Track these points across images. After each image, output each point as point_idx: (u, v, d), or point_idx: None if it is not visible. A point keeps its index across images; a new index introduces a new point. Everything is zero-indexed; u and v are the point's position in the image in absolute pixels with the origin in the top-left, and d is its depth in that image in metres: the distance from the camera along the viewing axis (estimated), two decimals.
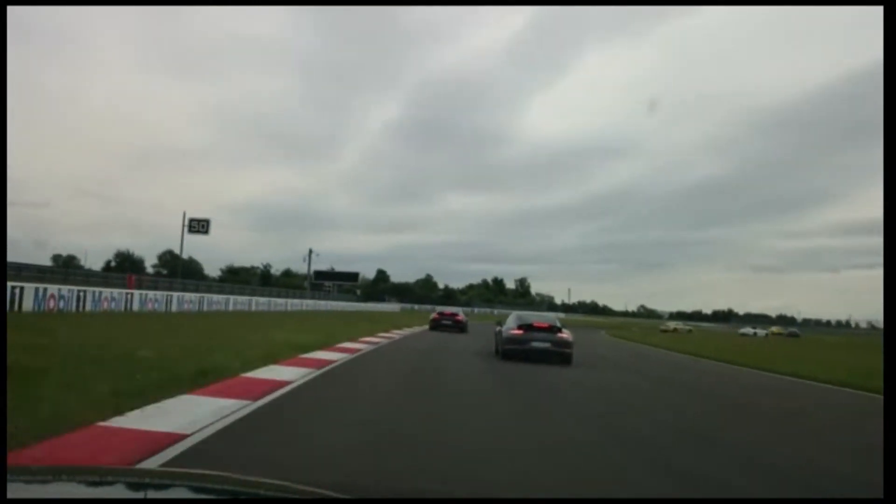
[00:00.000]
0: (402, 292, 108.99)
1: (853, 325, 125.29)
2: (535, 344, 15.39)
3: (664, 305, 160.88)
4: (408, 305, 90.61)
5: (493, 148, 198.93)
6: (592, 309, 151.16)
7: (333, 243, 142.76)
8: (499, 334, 16.93)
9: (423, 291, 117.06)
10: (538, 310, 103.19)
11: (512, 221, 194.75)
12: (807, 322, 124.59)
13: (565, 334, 15.74)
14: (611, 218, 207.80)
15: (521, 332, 15.61)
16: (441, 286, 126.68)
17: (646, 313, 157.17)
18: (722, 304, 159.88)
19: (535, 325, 15.84)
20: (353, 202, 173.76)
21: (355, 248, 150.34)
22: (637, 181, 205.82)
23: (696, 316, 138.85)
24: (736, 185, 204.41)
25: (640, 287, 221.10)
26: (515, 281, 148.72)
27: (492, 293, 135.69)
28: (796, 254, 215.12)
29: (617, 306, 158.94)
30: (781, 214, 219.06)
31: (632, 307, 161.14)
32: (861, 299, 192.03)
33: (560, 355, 15.36)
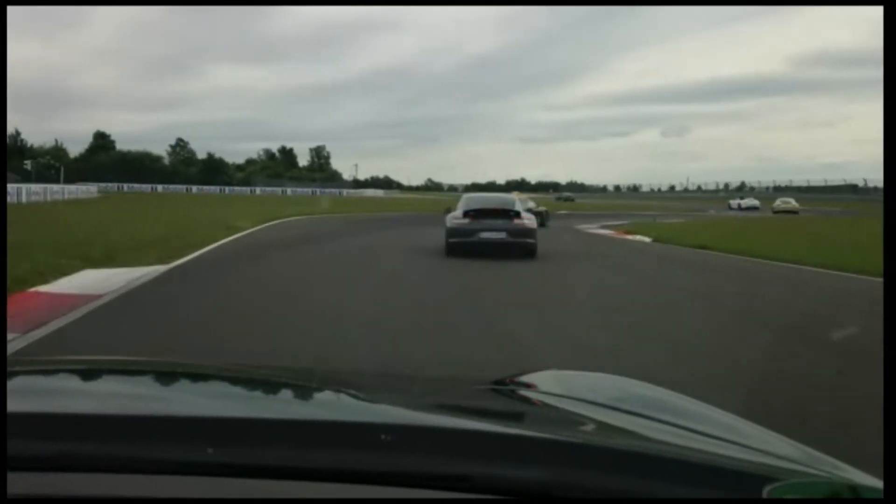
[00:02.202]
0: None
1: (610, 190, 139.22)
2: (486, 235, 12.70)
3: (447, 179, 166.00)
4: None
5: (268, 16, 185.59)
6: (386, 184, 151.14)
7: (87, 124, 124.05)
8: (446, 224, 13.67)
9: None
10: (328, 186, 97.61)
11: (295, 98, 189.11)
12: (571, 186, 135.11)
13: (525, 220, 13.14)
14: (394, 94, 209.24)
15: (467, 220, 12.90)
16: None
17: (434, 187, 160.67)
18: (497, 176, 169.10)
19: (485, 209, 13.18)
20: (110, 78, 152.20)
21: (116, 128, 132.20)
22: (417, 57, 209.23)
23: (492, 187, 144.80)
24: (505, 59, 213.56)
25: (424, 162, 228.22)
26: (310, 151, 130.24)
27: (280, 167, 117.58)
28: (559, 125, 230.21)
29: (405, 181, 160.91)
30: (541, 87, 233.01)
31: (418, 181, 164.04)
32: (616, 166, 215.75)
33: (519, 247, 12.73)
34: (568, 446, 0.86)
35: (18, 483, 0.70)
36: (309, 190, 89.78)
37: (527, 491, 0.74)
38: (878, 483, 0.79)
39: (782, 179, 78.45)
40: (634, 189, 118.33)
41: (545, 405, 1.18)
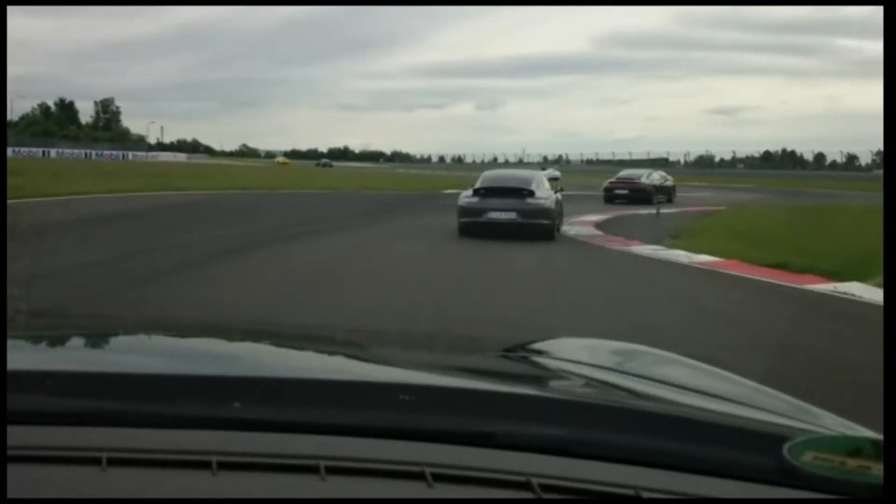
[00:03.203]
0: None
1: (435, 161, 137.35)
2: (493, 215, 11.84)
3: (265, 145, 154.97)
4: None
5: None
6: (194, 148, 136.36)
7: None
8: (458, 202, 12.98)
9: None
10: (133, 148, 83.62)
11: (87, 54, 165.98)
12: (397, 156, 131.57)
13: (542, 198, 12.08)
14: (201, 54, 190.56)
15: (476, 198, 12.18)
16: None
17: (249, 153, 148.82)
18: (319, 144, 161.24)
19: (495, 187, 12.33)
20: None
21: None
22: (225, 14, 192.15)
23: (313, 154, 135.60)
24: (323, 23, 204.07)
25: (237, 126, 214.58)
26: (95, 105, 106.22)
27: (55, 124, 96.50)
28: (379, 94, 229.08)
29: (217, 146, 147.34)
30: (360, 54, 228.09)
31: (231, 147, 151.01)
32: (436, 137, 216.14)
33: (533, 228, 11.74)
34: (586, 406, 0.92)
35: (68, 436, 0.75)
36: (84, 152, 74.95)
37: (547, 447, 0.77)
38: None
39: (588, 153, 79.72)
40: (459, 160, 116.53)
41: (560, 370, 1.19)
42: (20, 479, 0.67)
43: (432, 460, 0.72)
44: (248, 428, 0.77)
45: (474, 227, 11.94)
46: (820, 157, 58.64)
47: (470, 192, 12.56)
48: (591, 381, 1.08)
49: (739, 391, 1.08)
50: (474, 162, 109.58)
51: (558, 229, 12.85)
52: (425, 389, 0.92)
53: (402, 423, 0.79)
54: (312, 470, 0.70)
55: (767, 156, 60.56)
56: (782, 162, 58.83)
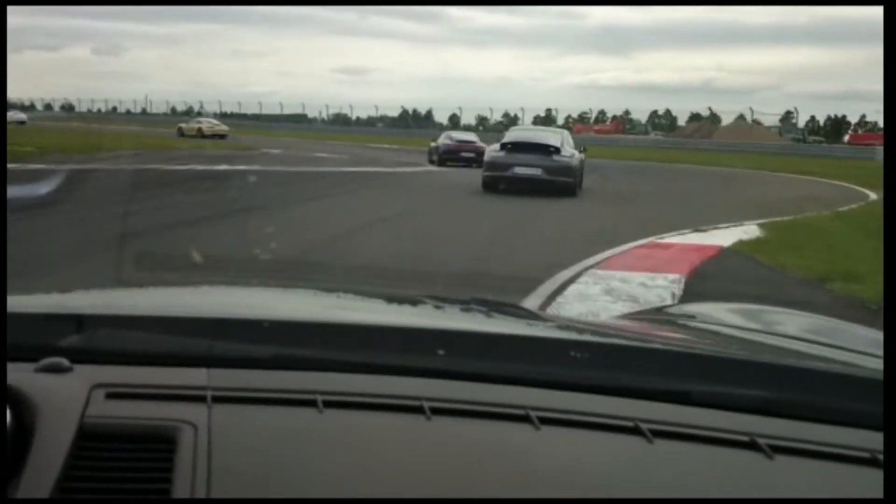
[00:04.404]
0: None
1: (40, 109, 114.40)
2: (519, 170, 12.42)
3: None
4: None
5: None
6: None
7: None
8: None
9: None
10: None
11: None
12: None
13: (567, 156, 12.79)
14: None
15: (503, 153, 12.82)
16: None
17: None
18: None
19: (524, 142, 13.03)
20: None
21: None
22: None
23: None
24: None
25: None
26: None
27: None
28: None
29: None
30: None
31: None
32: (45, 82, 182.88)
33: (556, 185, 12.24)
34: (779, 368, 0.94)
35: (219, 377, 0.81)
36: None
37: (747, 407, 0.81)
38: None
39: (227, 106, 73.53)
40: (70, 108, 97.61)
41: (729, 334, 1.25)
42: (239, 419, 0.74)
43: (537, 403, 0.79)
44: (454, 377, 0.84)
45: (499, 181, 12.49)
46: (455, 117, 61.95)
47: (498, 146, 13.18)
48: (768, 344, 1.18)
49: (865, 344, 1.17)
50: (90, 111, 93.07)
51: (580, 186, 13.42)
52: (617, 348, 1.02)
53: (613, 381, 0.85)
54: (416, 411, 0.76)
55: (403, 115, 62.01)
56: (417, 122, 60.69)
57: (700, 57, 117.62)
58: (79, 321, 0.88)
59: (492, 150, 13.46)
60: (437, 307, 1.31)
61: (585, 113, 60.46)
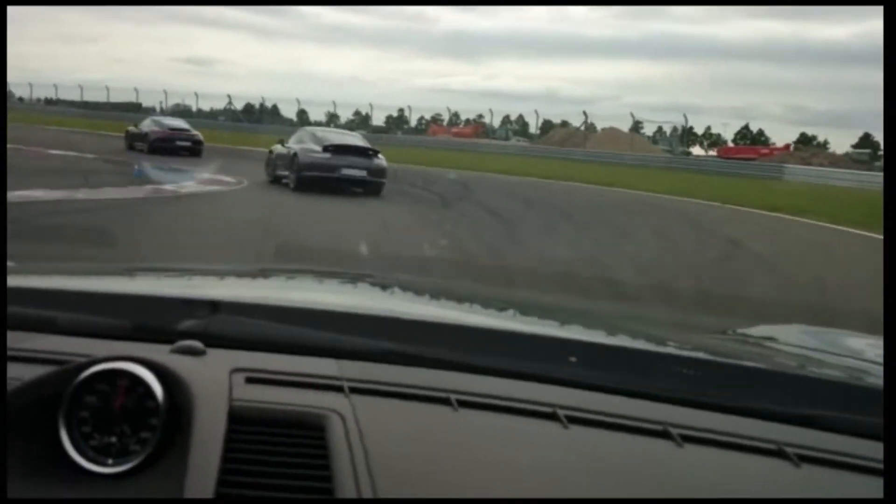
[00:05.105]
0: None
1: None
2: (348, 171, 13.15)
3: None
4: None
5: None
6: None
7: None
8: (282, 159, 14.02)
9: None
10: None
11: None
12: None
13: (382, 160, 13.69)
14: None
15: (328, 155, 13.19)
16: None
17: None
18: None
19: (348, 146, 13.73)
20: None
21: None
22: None
23: None
24: None
25: None
26: None
27: None
28: None
29: None
30: None
31: None
32: None
33: (375, 185, 13.38)
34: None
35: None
36: None
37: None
38: None
39: (49, 93, 63.13)
40: None
41: (776, 348, 1.29)
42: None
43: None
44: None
45: (321, 182, 12.91)
46: (302, 113, 56.01)
47: (317, 147, 13.41)
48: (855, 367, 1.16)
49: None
50: None
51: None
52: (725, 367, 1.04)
53: (732, 401, 0.88)
54: (549, 417, 0.79)
55: (248, 109, 55.04)
56: (262, 116, 54.13)
57: (543, 66, 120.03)
58: (213, 306, 0.94)
59: (310, 152, 13.46)
60: (548, 312, 1.42)
61: (439, 115, 55.76)
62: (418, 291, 1.60)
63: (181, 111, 59.85)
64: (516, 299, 1.68)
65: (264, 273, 1.80)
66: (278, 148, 14.62)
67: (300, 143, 13.83)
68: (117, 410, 0.73)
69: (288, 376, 0.82)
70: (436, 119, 56.35)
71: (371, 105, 49.50)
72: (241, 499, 0.65)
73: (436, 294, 1.55)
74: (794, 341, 1.32)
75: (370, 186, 13.29)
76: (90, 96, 59.16)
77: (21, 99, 64.94)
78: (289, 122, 53.26)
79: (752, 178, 25.08)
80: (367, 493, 0.64)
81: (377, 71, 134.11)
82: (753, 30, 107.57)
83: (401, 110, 54.26)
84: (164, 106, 60.13)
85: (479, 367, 0.89)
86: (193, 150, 20.22)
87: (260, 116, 53.85)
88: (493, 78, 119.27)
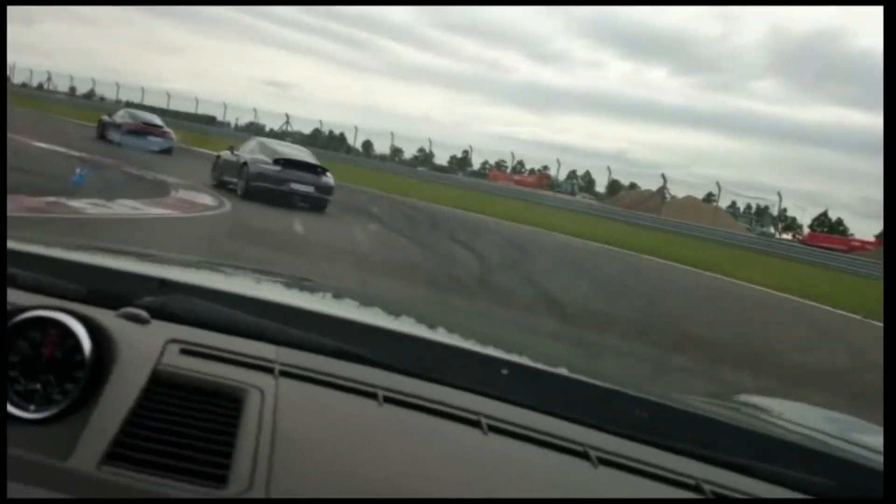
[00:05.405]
0: None
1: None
2: (297, 186, 13.36)
3: None
4: None
5: None
6: None
7: None
8: (230, 164, 14.15)
9: None
10: None
11: None
12: None
13: (329, 178, 13.97)
14: None
15: (278, 168, 13.37)
16: None
17: None
18: None
19: (299, 161, 13.93)
20: None
21: None
22: None
23: None
24: None
25: None
26: None
27: None
28: None
29: None
30: None
31: None
32: None
33: (319, 202, 13.67)
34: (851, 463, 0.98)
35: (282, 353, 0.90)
36: None
37: (779, 481, 0.87)
38: None
39: (133, 96, 64.75)
40: None
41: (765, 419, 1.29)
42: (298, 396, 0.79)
43: (596, 444, 0.85)
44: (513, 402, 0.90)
45: (269, 194, 13.06)
46: (368, 144, 55.47)
47: (267, 159, 13.48)
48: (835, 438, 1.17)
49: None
50: None
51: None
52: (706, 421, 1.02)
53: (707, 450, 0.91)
54: (472, 424, 0.83)
55: (316, 134, 54.84)
56: (330, 143, 53.79)
57: (615, 126, 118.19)
58: (161, 282, 0.97)
59: (260, 163, 13.55)
60: (461, 325, 1.46)
61: (503, 161, 53.34)
62: (362, 300, 1.63)
63: (254, 129, 60.49)
64: (478, 322, 2.03)
65: (218, 264, 1.84)
66: (227, 154, 14.87)
67: (251, 153, 14.08)
68: (45, 359, 0.76)
69: (222, 353, 0.84)
70: (499, 165, 53.99)
71: (430, 140, 47.85)
72: (125, 457, 0.65)
73: (381, 304, 1.58)
74: (769, 407, 1.41)
75: (316, 202, 13.67)
76: (164, 103, 60.27)
77: (102, 98, 66.59)
78: (355, 151, 52.63)
79: (854, 273, 21.72)
80: (262, 465, 0.65)
81: (447, 112, 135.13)
82: (831, 116, 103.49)
83: (465, 152, 52.40)
84: (238, 122, 60.87)
85: (414, 372, 0.92)
86: (164, 148, 19.50)
87: (326, 142, 53.32)
88: (563, 132, 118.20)
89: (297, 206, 13.17)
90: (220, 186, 14.32)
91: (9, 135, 13.03)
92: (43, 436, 0.68)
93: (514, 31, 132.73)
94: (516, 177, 49.77)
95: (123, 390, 0.71)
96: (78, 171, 10.57)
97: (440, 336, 1.24)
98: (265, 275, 1.72)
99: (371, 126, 59.62)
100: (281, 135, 59.34)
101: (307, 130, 54.99)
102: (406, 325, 1.34)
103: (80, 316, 0.78)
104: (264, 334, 0.92)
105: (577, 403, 0.92)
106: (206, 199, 12.24)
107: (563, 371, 1.13)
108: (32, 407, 0.73)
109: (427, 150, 48.91)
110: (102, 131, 21.99)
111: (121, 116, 22.08)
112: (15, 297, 0.88)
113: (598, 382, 1.07)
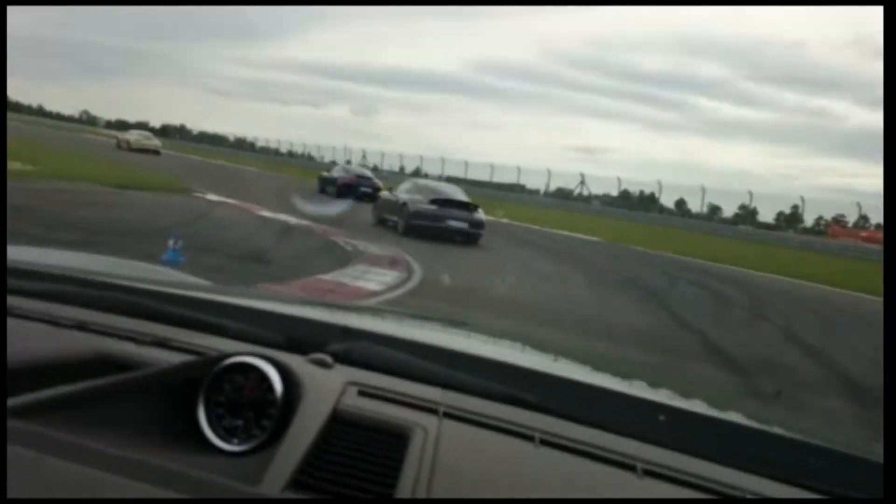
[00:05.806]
0: None
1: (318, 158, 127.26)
2: (453, 223, 14.44)
3: (109, 113, 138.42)
4: None
5: None
6: (41, 113, 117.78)
7: None
8: (389, 204, 15.64)
9: None
10: None
11: None
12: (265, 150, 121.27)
13: (481, 214, 15.02)
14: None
15: (434, 206, 14.51)
16: None
17: (88, 120, 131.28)
18: (172, 119, 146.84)
19: (453, 199, 14.98)
20: None
21: None
22: None
23: (142, 127, 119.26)
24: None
25: (86, 91, 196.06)
26: None
27: None
28: (250, 83, 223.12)
29: (65, 110, 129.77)
30: (236, 40, 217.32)
31: (71, 112, 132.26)
32: (310, 134, 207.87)
33: (473, 237, 14.63)
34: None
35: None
36: None
37: None
38: None
39: (454, 171, 72.88)
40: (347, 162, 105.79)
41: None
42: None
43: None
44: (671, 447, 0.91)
45: (427, 230, 14.20)
46: (681, 203, 52.88)
47: (424, 199, 14.66)
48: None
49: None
50: (349, 162, 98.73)
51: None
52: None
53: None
54: (628, 468, 0.85)
55: (625, 195, 54.21)
56: (640, 203, 52.68)
57: None
58: (344, 330, 1.10)
59: (419, 203, 14.55)
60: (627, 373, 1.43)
61: (842, 215, 45.39)
62: (520, 343, 1.68)
63: (562, 194, 62.64)
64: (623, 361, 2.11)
65: (389, 312, 2.01)
66: (386, 195, 16.68)
67: (409, 193, 15.32)
68: (246, 398, 0.86)
69: (394, 394, 0.93)
70: (838, 220, 46.21)
71: (750, 193, 43.62)
72: (305, 485, 0.74)
73: (535, 346, 1.65)
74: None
75: (469, 237, 14.57)
76: (487, 175, 66.03)
77: (426, 175, 75.41)
78: (668, 211, 50.93)
79: None
80: (421, 496, 0.73)
81: (768, 166, 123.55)
82: None
83: (794, 206, 46.20)
84: (548, 187, 63.76)
85: (571, 416, 0.95)
86: (373, 197, 21.19)
87: (639, 204, 52.46)
88: None
89: (454, 240, 14.29)
90: (380, 224, 15.88)
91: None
92: (239, 466, 0.77)
93: (840, 78, 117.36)
94: (863, 232, 41.68)
95: (307, 427, 0.80)
96: (170, 242, 7.29)
97: (595, 380, 1.26)
98: (428, 321, 1.88)
99: (682, 183, 57.16)
100: (587, 198, 60.39)
101: (614, 192, 54.80)
102: (560, 369, 1.38)
103: (274, 361, 0.89)
104: (431, 377, 1.02)
105: (743, 454, 0.91)
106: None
107: (734, 418, 1.10)
108: (235, 441, 0.84)
109: (748, 205, 44.95)
110: (322, 186, 25.27)
111: (337, 171, 25.57)
112: (223, 345, 1.04)
113: (778, 432, 1.03)
